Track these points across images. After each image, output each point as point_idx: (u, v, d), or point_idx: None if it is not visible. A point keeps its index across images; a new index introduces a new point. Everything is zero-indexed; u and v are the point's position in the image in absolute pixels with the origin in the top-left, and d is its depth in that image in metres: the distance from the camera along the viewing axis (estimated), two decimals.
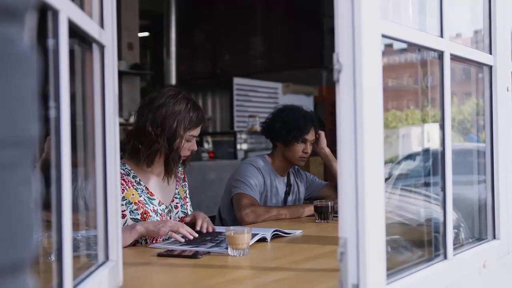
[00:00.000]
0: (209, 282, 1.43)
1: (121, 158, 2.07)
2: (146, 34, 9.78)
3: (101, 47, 1.18)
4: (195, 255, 1.68)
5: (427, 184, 1.71)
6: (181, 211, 2.21)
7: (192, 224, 2.07)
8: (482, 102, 1.70)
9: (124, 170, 2.06)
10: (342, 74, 1.03)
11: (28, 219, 0.52)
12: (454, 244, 1.39)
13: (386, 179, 1.60)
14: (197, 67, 9.84)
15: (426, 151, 1.74)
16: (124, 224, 2.00)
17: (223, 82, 7.80)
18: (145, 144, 2.05)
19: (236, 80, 7.27)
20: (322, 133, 2.82)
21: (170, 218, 2.14)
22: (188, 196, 2.30)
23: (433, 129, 1.53)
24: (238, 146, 6.58)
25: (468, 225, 1.69)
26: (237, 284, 1.43)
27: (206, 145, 6.76)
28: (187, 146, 2.10)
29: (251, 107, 7.25)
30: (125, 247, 1.80)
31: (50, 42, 0.86)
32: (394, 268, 1.18)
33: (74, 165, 0.98)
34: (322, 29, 8.25)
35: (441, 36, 1.37)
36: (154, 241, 2.00)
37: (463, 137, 1.94)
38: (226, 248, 1.71)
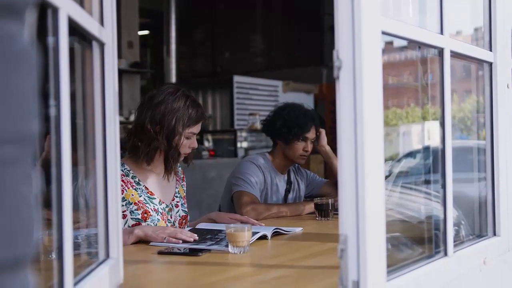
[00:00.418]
0: (209, 280, 1.43)
1: (121, 157, 2.07)
2: (146, 32, 9.78)
3: (101, 45, 1.18)
4: (195, 253, 1.69)
5: (427, 182, 1.71)
6: (182, 210, 2.21)
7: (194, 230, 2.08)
8: (482, 99, 1.70)
9: (123, 171, 2.05)
10: (342, 71, 1.03)
11: (29, 215, 0.52)
12: (454, 241, 1.39)
13: (387, 177, 1.60)
14: (197, 66, 9.85)
15: (426, 149, 1.74)
16: (125, 225, 2.00)
17: (223, 80, 7.80)
18: (144, 142, 2.04)
19: (236, 78, 7.27)
20: (323, 131, 2.82)
21: (171, 217, 2.14)
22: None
23: (433, 126, 1.53)
24: (239, 144, 6.58)
25: (468, 222, 1.70)
26: (237, 281, 1.43)
27: (206, 143, 6.76)
28: (187, 144, 2.10)
29: (251, 105, 7.25)
30: None
31: (50, 40, 0.86)
32: (394, 265, 1.18)
33: (75, 163, 0.98)
34: (322, 27, 8.25)
35: (441, 33, 1.37)
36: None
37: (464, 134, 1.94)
38: (227, 245, 1.71)
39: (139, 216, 2.02)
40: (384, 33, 1.11)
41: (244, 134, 6.71)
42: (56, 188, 0.86)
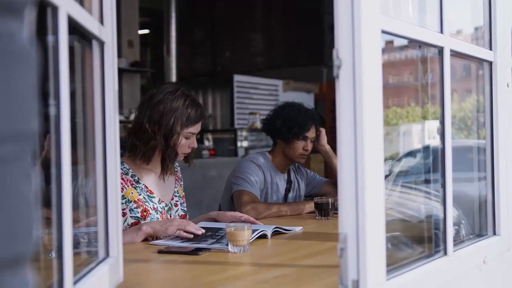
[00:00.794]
0: (209, 279, 1.43)
1: (121, 156, 2.07)
2: (146, 31, 9.77)
3: (101, 44, 1.18)
4: (195, 252, 1.69)
5: (427, 181, 1.71)
6: (181, 209, 2.21)
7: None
8: (483, 98, 1.70)
9: (122, 170, 2.05)
10: (341, 70, 1.03)
11: (28, 214, 0.52)
12: (454, 240, 1.39)
13: (386, 176, 1.60)
14: (198, 65, 9.85)
15: (426, 148, 1.74)
16: (124, 223, 2.00)
17: (223, 79, 7.80)
18: (142, 141, 2.04)
19: (237, 78, 7.27)
20: (323, 130, 2.82)
21: (170, 216, 2.14)
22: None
23: (433, 126, 1.53)
24: (239, 144, 6.58)
25: (468, 222, 1.70)
26: (237, 280, 1.43)
27: (206, 143, 6.76)
28: (187, 143, 2.10)
29: (251, 105, 7.25)
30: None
31: (50, 38, 0.86)
32: (394, 264, 1.18)
33: (74, 162, 0.98)
34: (322, 26, 8.25)
35: (441, 32, 1.37)
36: (155, 238, 2.00)
37: (464, 134, 1.94)
38: (227, 244, 1.71)
39: (139, 215, 2.02)
40: (384, 32, 1.11)
41: (244, 133, 6.71)
42: (56, 187, 0.86)
